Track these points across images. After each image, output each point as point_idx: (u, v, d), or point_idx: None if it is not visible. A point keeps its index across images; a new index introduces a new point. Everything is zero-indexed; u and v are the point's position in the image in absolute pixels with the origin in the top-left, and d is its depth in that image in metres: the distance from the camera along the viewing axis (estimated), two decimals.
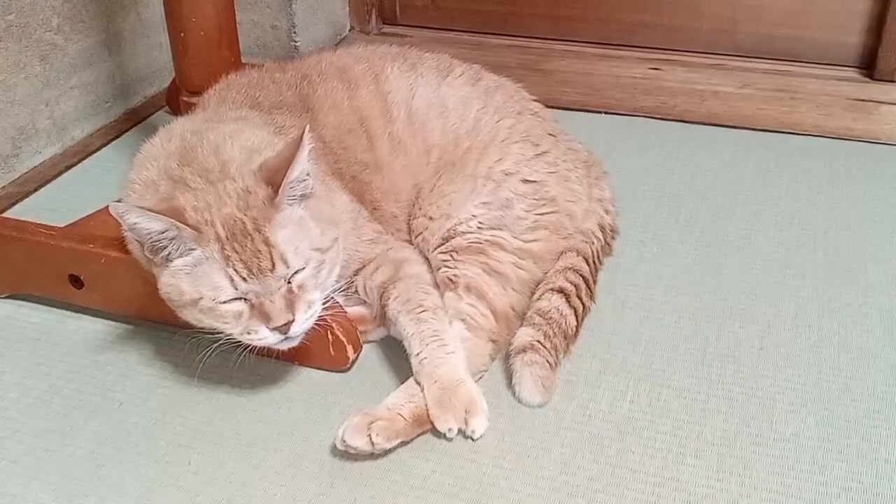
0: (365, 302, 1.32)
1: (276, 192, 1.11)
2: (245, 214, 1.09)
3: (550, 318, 1.27)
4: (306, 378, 1.28)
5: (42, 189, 1.75)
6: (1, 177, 1.72)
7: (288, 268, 1.10)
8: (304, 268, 1.12)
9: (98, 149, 1.88)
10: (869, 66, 2.08)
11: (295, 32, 2.17)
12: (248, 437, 1.18)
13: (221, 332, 1.13)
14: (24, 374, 1.30)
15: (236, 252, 1.08)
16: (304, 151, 1.11)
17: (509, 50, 2.28)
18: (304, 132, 1.11)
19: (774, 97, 2.01)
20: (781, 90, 2.03)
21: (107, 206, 1.43)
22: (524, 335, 1.25)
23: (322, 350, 1.25)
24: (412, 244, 1.37)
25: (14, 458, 1.16)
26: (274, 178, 1.11)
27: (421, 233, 1.35)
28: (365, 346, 1.31)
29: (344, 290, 1.30)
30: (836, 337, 1.32)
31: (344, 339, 1.25)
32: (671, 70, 2.14)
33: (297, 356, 1.27)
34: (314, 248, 1.13)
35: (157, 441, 1.18)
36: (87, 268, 1.34)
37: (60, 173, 1.79)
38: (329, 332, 1.24)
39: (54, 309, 1.41)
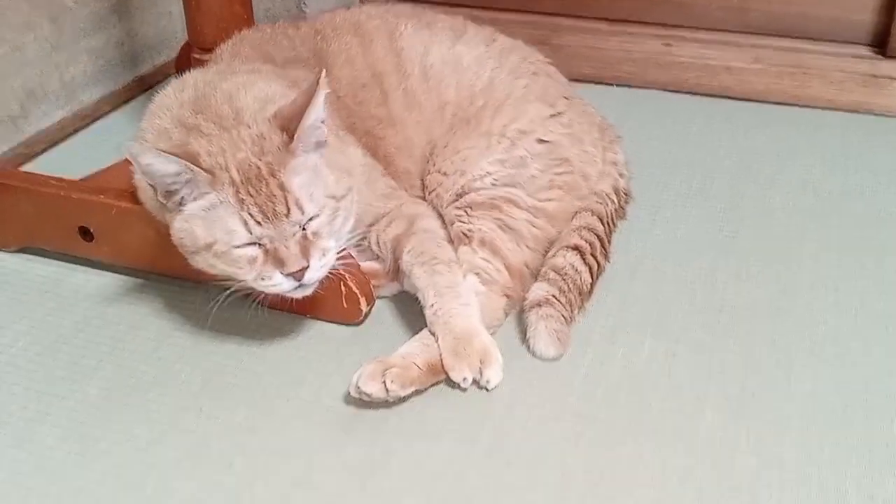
0: (378, 257, 1.31)
1: (291, 138, 1.09)
2: (260, 159, 1.08)
3: (565, 273, 1.26)
4: (319, 331, 1.27)
5: (50, 150, 1.74)
6: (9, 137, 1.71)
7: (303, 213, 1.09)
8: (318, 215, 1.10)
9: (106, 113, 1.87)
10: (881, 44, 2.06)
11: (304, 3, 2.16)
12: (260, 386, 1.17)
13: (234, 280, 1.12)
14: (33, 325, 1.28)
15: (251, 196, 1.07)
16: (319, 97, 1.10)
17: (520, 25, 2.25)
18: (319, 78, 1.10)
19: (786, 72, 1.99)
20: (794, 66, 2.01)
21: (118, 162, 1.45)
22: (539, 290, 1.24)
23: (335, 302, 1.24)
24: (426, 200, 1.36)
25: (23, 404, 1.15)
26: (289, 124, 1.10)
27: (435, 189, 1.34)
28: (378, 302, 1.30)
29: (357, 244, 1.29)
30: (854, 298, 1.31)
31: (357, 291, 1.23)
32: (683, 45, 2.12)
33: (310, 308, 1.26)
34: (329, 196, 1.12)
35: (167, 388, 1.17)
36: (97, 219, 1.32)
37: (68, 136, 1.78)
38: (342, 284, 1.23)
39: (63, 263, 1.40)
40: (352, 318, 1.26)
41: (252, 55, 1.36)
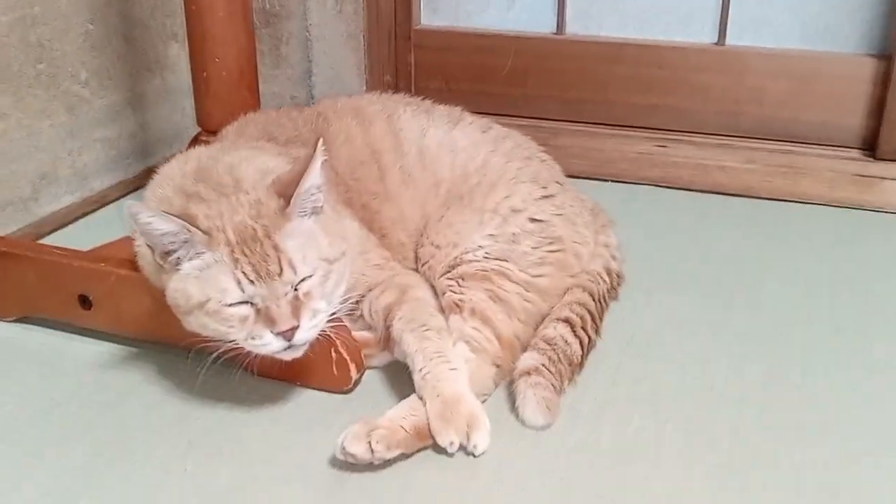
0: (370, 327, 1.32)
1: (287, 202, 1.13)
2: (256, 222, 1.12)
3: (555, 344, 1.27)
4: (308, 399, 1.27)
5: (58, 232, 1.78)
6: (19, 218, 1.76)
7: (296, 274, 1.11)
8: (311, 275, 1.13)
9: (115, 199, 1.92)
10: (871, 146, 2.12)
11: (312, 87, 2.24)
12: (247, 450, 1.17)
13: (225, 340, 1.14)
14: (25, 391, 1.29)
15: (245, 256, 1.10)
16: (316, 164, 1.14)
17: (520, 129, 2.32)
18: (317, 144, 1.14)
19: (779, 171, 2.04)
20: (786, 166, 2.07)
21: (121, 238, 1.49)
22: (528, 359, 1.25)
23: (325, 368, 1.25)
24: (418, 272, 1.38)
25: (5, 466, 1.14)
26: (286, 190, 1.14)
27: (427, 261, 1.37)
28: (369, 372, 1.30)
29: (349, 313, 1.30)
30: (843, 382, 1.30)
31: (347, 358, 1.24)
32: (677, 147, 2.19)
33: (300, 375, 1.27)
34: (322, 258, 1.14)
35: (154, 451, 1.16)
36: (96, 287, 1.35)
37: (77, 219, 1.83)
38: (332, 350, 1.24)
39: (61, 332, 1.42)
40: (342, 384, 1.26)
41: (256, 135, 1.41)
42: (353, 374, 1.25)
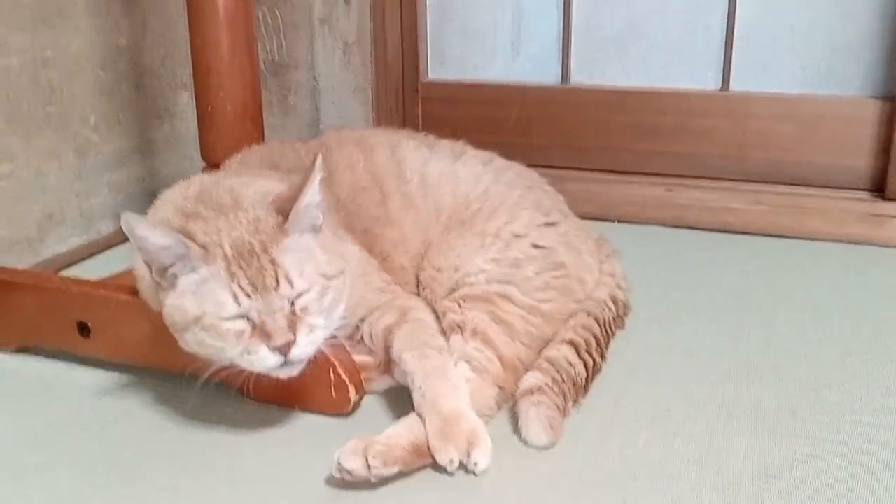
0: (371, 351, 1.30)
1: (286, 218, 1.13)
2: (254, 237, 1.11)
3: (559, 365, 1.25)
4: (306, 423, 1.24)
5: (63, 271, 1.78)
6: (25, 258, 1.76)
7: (292, 288, 1.10)
8: (308, 290, 1.11)
9: (121, 242, 1.92)
10: (880, 188, 2.11)
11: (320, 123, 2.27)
12: (241, 470, 1.14)
13: (221, 358, 1.12)
14: (19, 414, 1.28)
15: (242, 269, 1.09)
16: (314, 179, 1.14)
17: None
18: (316, 160, 1.15)
19: (787, 211, 2.03)
20: (794, 206, 2.06)
21: (124, 270, 1.48)
22: (531, 378, 1.22)
23: (323, 391, 1.23)
24: (419, 296, 1.36)
25: None
26: (284, 206, 1.14)
27: (428, 284, 1.35)
28: (368, 397, 1.28)
29: (349, 338, 1.29)
30: (858, 397, 1.27)
31: (346, 380, 1.22)
32: (683, 191, 2.19)
33: (297, 398, 1.24)
34: (320, 274, 1.13)
35: (147, 472, 1.14)
36: (95, 313, 1.34)
37: (81, 260, 1.83)
38: (331, 372, 1.22)
39: (59, 362, 1.40)
40: (340, 408, 1.23)
41: (259, 164, 1.42)
42: (352, 396, 1.23)
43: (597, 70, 2.35)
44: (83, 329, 1.36)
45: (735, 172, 2.23)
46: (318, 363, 1.18)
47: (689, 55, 2.24)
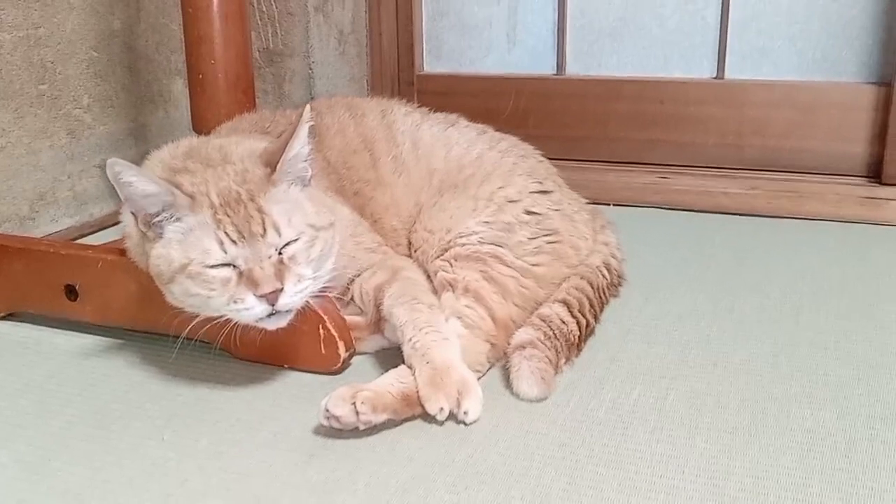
0: (361, 313, 1.28)
1: (273, 170, 1.12)
2: (241, 187, 1.10)
3: (552, 322, 1.23)
4: (294, 380, 1.22)
5: None
6: None
7: (280, 236, 1.09)
8: (296, 239, 1.10)
9: (113, 224, 1.90)
10: (876, 173, 2.10)
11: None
12: (227, 421, 1.12)
13: (207, 310, 1.10)
14: (4, 374, 1.25)
15: (228, 216, 1.07)
16: (302, 130, 1.13)
17: None
18: (303, 111, 1.14)
19: (784, 195, 2.02)
20: (791, 191, 2.05)
21: (113, 240, 1.47)
22: (523, 333, 1.20)
23: (312, 347, 1.21)
24: (411, 258, 1.35)
25: None
26: (272, 158, 1.13)
27: (420, 246, 1.34)
28: (359, 359, 1.26)
29: (339, 297, 1.27)
30: (854, 353, 1.25)
31: (336, 335, 1.20)
32: (680, 178, 2.18)
33: (285, 355, 1.23)
34: (308, 224, 1.12)
35: (132, 422, 1.12)
36: (83, 275, 1.32)
37: (74, 240, 1.82)
38: (320, 327, 1.20)
39: (46, 327, 1.39)
40: (330, 364, 1.21)
41: (249, 130, 1.41)
42: (342, 352, 1.21)
43: (592, 62, 2.35)
44: (70, 292, 1.34)
45: (732, 161, 2.22)
46: (307, 318, 1.17)
47: (684, 45, 2.24)
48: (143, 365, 1.27)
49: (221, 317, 1.10)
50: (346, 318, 1.26)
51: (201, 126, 1.54)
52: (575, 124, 2.35)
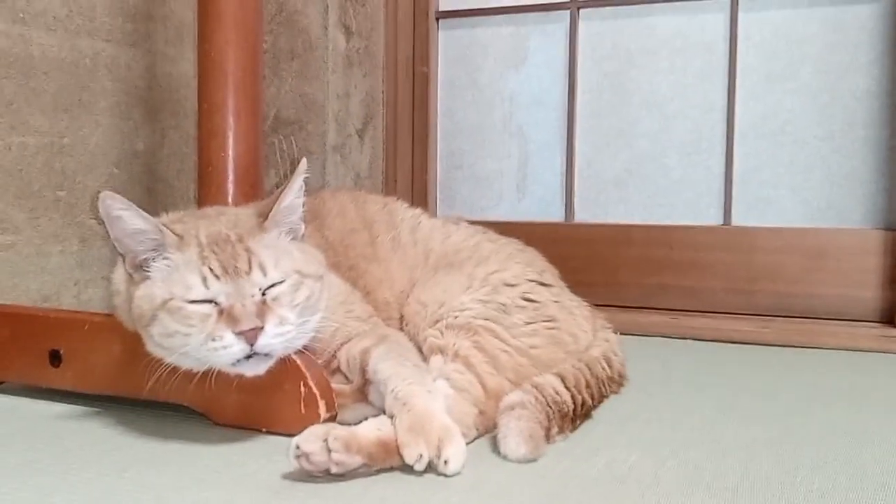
0: (348, 381, 1.24)
1: (265, 217, 1.13)
2: (231, 230, 1.11)
3: (544, 389, 1.17)
4: (270, 439, 1.16)
5: None
6: None
7: (265, 276, 1.08)
8: (282, 282, 1.09)
9: None
10: (889, 318, 2.06)
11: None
12: (194, 462, 1.06)
13: (184, 349, 1.07)
14: None
15: (214, 254, 1.08)
16: (297, 180, 1.15)
17: None
18: (300, 164, 1.16)
19: (795, 334, 1.98)
20: (803, 331, 2.00)
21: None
22: (514, 395, 1.14)
23: (292, 406, 1.15)
24: (402, 331, 1.31)
25: None
26: (265, 209, 1.14)
27: (412, 319, 1.30)
28: None
29: (326, 365, 1.23)
30: (854, 460, 1.17)
31: (317, 393, 1.15)
32: (691, 318, 2.15)
33: (264, 417, 1.17)
34: (295, 269, 1.11)
35: (95, 457, 1.06)
36: (68, 339, 1.30)
37: None
38: (302, 384, 1.15)
39: (25, 398, 1.35)
40: (309, 425, 1.15)
41: None
42: (323, 412, 1.15)
43: (600, 210, 2.39)
44: (54, 357, 1.31)
45: (742, 306, 2.20)
46: (288, 374, 1.13)
47: (689, 193, 2.29)
48: (118, 427, 1.21)
49: (200, 369, 1.08)
50: (332, 385, 1.21)
51: None
52: (584, 269, 2.35)
